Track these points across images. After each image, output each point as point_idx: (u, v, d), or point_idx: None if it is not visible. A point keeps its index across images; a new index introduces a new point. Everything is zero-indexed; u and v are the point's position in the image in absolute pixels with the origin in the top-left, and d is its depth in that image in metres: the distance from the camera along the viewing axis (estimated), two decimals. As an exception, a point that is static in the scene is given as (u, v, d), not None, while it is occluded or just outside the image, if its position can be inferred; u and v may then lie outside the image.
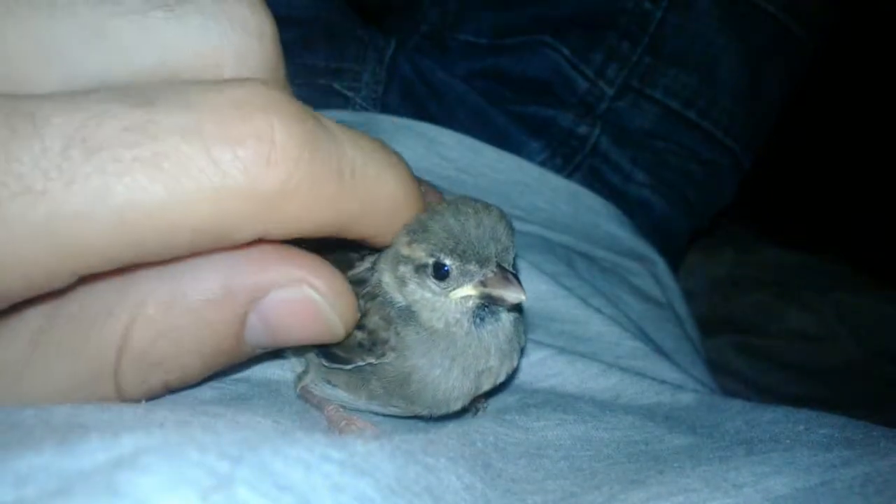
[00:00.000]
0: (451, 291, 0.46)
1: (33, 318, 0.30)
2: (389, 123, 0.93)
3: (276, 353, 0.54)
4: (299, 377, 0.52)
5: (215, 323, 0.31)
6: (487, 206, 0.46)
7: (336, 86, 0.98)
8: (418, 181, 0.39)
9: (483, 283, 0.45)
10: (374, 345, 0.46)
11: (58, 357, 0.30)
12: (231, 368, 0.39)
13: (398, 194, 0.35)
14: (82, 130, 0.26)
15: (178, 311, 0.31)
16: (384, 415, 0.52)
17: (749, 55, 1.04)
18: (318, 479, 0.27)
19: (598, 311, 0.75)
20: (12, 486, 0.23)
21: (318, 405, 0.50)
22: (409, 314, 0.46)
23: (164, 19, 0.29)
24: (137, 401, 0.33)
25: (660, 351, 0.77)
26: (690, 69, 1.02)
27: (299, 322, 0.34)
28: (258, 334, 0.33)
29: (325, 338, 0.36)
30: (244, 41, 0.30)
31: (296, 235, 0.32)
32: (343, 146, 0.31)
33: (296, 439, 0.29)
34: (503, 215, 0.46)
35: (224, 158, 0.27)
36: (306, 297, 0.33)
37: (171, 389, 0.34)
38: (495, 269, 0.45)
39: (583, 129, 1.01)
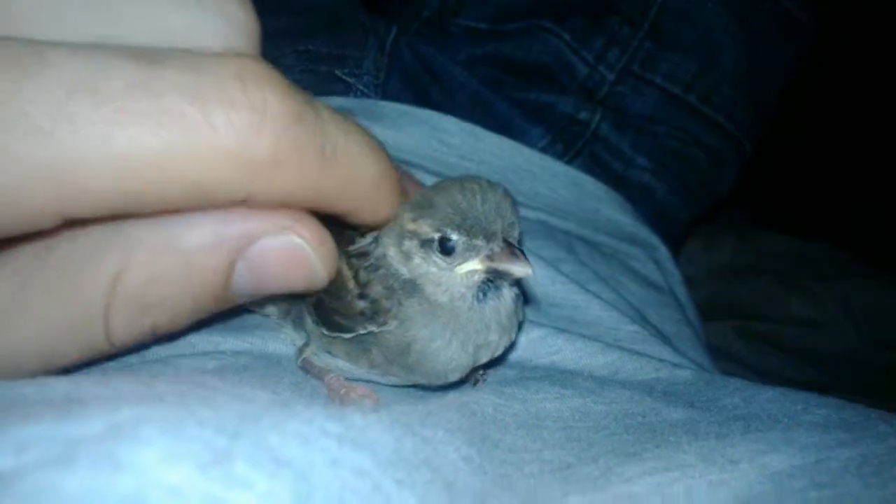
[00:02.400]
0: (456, 266, 0.46)
1: (22, 259, 0.32)
2: (391, 110, 0.93)
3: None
4: (300, 349, 0.52)
5: (206, 269, 0.33)
6: (492, 183, 0.47)
7: (338, 72, 0.98)
8: (398, 169, 0.41)
9: (490, 258, 0.46)
10: (375, 314, 0.47)
11: (47, 299, 0.32)
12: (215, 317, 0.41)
13: (375, 176, 0.37)
14: (91, 80, 0.27)
15: (170, 257, 0.32)
16: (383, 384, 0.52)
17: (750, 40, 1.04)
18: (316, 454, 0.28)
19: (597, 296, 0.75)
20: (12, 453, 0.24)
21: (319, 375, 0.51)
22: (412, 287, 0.47)
23: (167, 4, 0.31)
24: (124, 346, 0.34)
25: (659, 335, 0.77)
26: (691, 54, 1.01)
27: (286, 268, 0.35)
28: (245, 281, 0.35)
29: (307, 284, 0.37)
30: (234, 37, 0.32)
31: (279, 204, 0.34)
32: (327, 125, 0.33)
33: (294, 413, 0.30)
34: (508, 192, 0.47)
35: (220, 122, 0.29)
36: (294, 244, 0.35)
37: (158, 334, 0.35)
38: (502, 244, 0.45)
39: (583, 115, 1.01)
